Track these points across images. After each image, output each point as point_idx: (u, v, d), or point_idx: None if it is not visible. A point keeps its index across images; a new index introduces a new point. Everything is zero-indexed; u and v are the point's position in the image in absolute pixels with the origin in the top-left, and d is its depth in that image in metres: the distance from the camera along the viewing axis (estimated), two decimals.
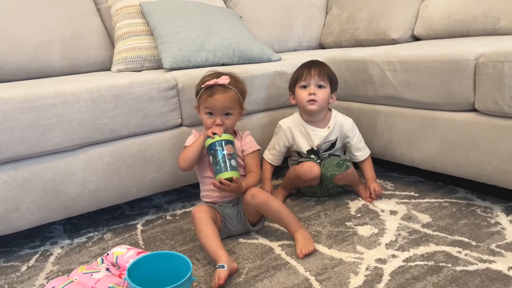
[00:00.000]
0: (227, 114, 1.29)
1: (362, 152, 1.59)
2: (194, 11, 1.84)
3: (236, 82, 1.33)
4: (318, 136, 1.55)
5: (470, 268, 1.06)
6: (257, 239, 1.31)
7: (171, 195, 1.74)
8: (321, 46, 2.57)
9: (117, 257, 1.13)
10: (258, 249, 1.25)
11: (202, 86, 1.30)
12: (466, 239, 1.20)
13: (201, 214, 1.21)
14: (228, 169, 1.21)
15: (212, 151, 1.23)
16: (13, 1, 1.75)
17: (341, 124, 1.56)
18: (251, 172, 1.35)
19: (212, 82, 1.28)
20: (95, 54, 1.89)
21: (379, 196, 1.52)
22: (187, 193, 1.75)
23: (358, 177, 1.56)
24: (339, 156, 1.60)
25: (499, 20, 1.76)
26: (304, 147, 1.57)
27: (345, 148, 1.64)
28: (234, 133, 1.38)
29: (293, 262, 1.16)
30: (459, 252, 1.14)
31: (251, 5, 2.35)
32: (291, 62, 1.76)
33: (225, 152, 1.21)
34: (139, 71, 1.78)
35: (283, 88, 1.71)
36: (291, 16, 2.45)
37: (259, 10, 2.37)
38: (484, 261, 1.09)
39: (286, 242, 1.28)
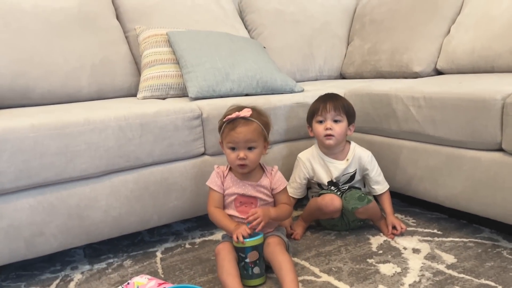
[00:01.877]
0: (250, 148, 1.29)
1: (380, 186, 1.58)
2: (219, 41, 1.88)
3: (259, 114, 1.33)
4: (336, 168, 1.55)
5: None
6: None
7: (190, 222, 1.75)
8: (342, 76, 2.59)
9: (138, 287, 1.13)
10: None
11: (224, 120, 1.31)
12: (493, 283, 1.17)
13: (224, 252, 1.23)
14: (252, 277, 1.23)
15: (237, 253, 1.24)
16: (48, 27, 1.81)
17: (360, 157, 1.56)
18: (284, 204, 1.36)
19: (234, 115, 1.28)
20: (122, 80, 1.94)
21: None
22: (206, 220, 1.74)
23: (380, 212, 1.54)
24: (360, 188, 1.59)
25: None
26: (325, 179, 1.57)
27: (364, 181, 1.63)
28: (261, 169, 1.37)
29: None
30: None
31: (275, 35, 2.40)
32: (314, 93, 1.77)
33: (248, 260, 1.22)
34: (164, 98, 1.81)
35: (305, 119, 1.72)
36: (313, 46, 2.49)
37: (282, 40, 2.41)
38: None
39: (306, 277, 1.26)
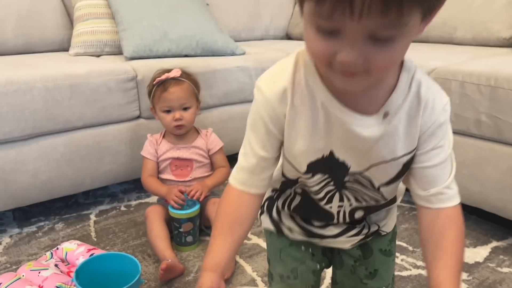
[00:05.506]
0: (184, 109, 1.30)
1: (453, 191, 0.58)
2: None
3: (188, 74, 1.34)
4: (359, 137, 0.54)
5: (404, 273, 1.15)
6: (208, 234, 1.34)
7: (127, 184, 1.74)
8: (288, 37, 2.57)
9: (66, 253, 1.13)
10: None
11: (154, 82, 1.30)
12: (404, 244, 1.29)
13: (153, 214, 1.25)
14: (184, 245, 1.27)
15: (172, 222, 1.27)
16: None
17: (426, 103, 0.55)
18: (221, 168, 1.38)
19: (163, 76, 1.28)
20: (53, 33, 1.81)
21: None
22: None
23: None
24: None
25: (455, 29, 1.83)
26: (305, 159, 0.58)
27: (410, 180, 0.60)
28: (196, 131, 1.38)
29: (241, 261, 1.21)
30: (397, 257, 1.22)
31: None
32: (255, 57, 1.77)
33: (182, 230, 1.25)
34: (99, 55, 1.73)
35: (246, 84, 1.72)
36: (260, 4, 2.43)
37: None
38: (418, 267, 1.17)
39: None
